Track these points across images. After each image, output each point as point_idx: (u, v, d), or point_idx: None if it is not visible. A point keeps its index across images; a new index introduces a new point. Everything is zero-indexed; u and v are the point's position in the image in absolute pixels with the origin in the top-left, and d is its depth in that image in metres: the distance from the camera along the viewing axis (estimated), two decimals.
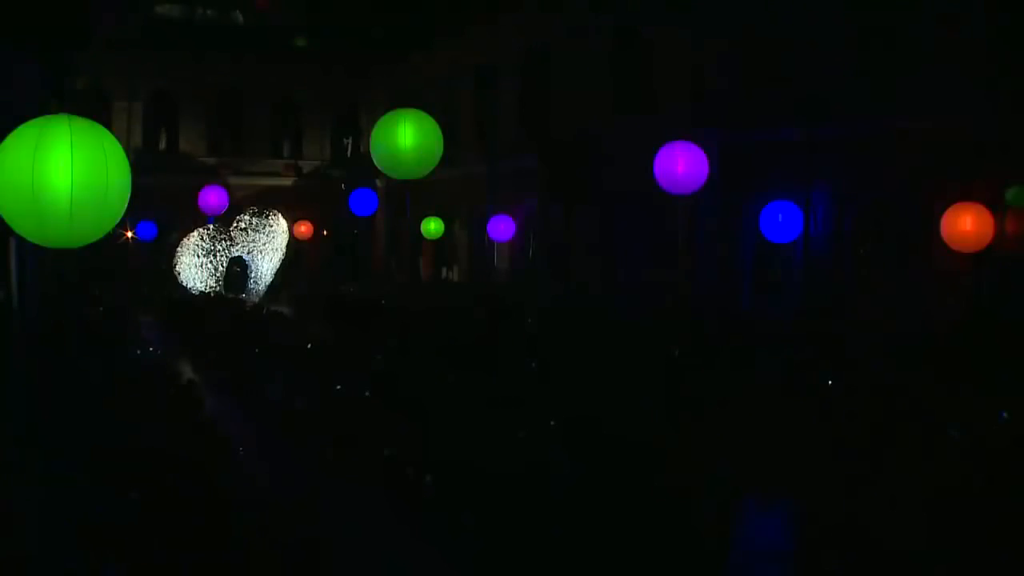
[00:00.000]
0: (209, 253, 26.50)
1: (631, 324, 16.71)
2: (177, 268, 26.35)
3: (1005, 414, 8.81)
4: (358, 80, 33.06)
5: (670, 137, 12.81)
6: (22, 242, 7.07)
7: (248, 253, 27.34)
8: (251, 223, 27.28)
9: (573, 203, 21.72)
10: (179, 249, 26.53)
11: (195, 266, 26.34)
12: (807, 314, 15.89)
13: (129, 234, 27.64)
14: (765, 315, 16.95)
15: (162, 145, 31.37)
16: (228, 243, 26.84)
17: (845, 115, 15.49)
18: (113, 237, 25.46)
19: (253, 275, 27.76)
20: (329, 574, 6.29)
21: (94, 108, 26.73)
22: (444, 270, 29.99)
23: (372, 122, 10.81)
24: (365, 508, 8.22)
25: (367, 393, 10.52)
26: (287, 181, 32.62)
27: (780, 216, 14.05)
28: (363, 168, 29.62)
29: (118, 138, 5.64)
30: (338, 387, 10.87)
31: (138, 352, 13.67)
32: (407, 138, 9.62)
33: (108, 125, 12.41)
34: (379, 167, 10.19)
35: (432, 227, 23.85)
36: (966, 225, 11.89)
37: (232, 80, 31.63)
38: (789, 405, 9.74)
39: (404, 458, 8.15)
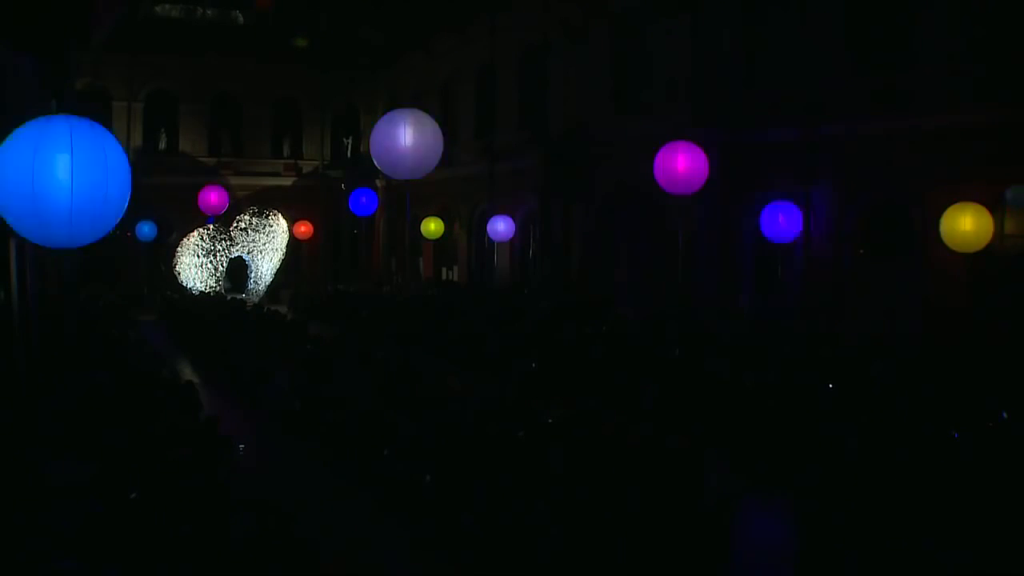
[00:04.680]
0: (209, 253, 26.51)
1: (630, 323, 16.72)
2: (177, 268, 26.36)
3: (1005, 414, 8.80)
4: (358, 80, 33.05)
5: (670, 137, 12.82)
6: (22, 242, 7.07)
7: (248, 253, 27.35)
8: (251, 223, 27.30)
9: (572, 203, 21.72)
10: (179, 249, 26.54)
11: (195, 266, 26.35)
12: (807, 314, 15.88)
13: (129, 233, 27.64)
14: (765, 315, 16.95)
15: (162, 145, 31.36)
16: (228, 243, 26.86)
17: (845, 115, 15.50)
18: (115, 236, 25.47)
19: (253, 275, 27.78)
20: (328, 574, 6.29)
21: (94, 108, 26.71)
22: (444, 270, 30.00)
23: (372, 122, 10.84)
24: (364, 508, 8.23)
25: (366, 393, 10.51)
26: (287, 181, 32.63)
27: (781, 216, 14.06)
28: (363, 168, 29.64)
29: (118, 138, 5.64)
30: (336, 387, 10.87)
31: (138, 352, 13.65)
32: (407, 138, 9.63)
33: (108, 125, 12.41)
34: (379, 167, 10.20)
35: (432, 227, 23.86)
36: (966, 225, 11.89)
37: (232, 80, 31.65)
38: (788, 405, 9.73)
39: (404, 457, 8.15)
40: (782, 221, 14.07)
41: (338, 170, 32.46)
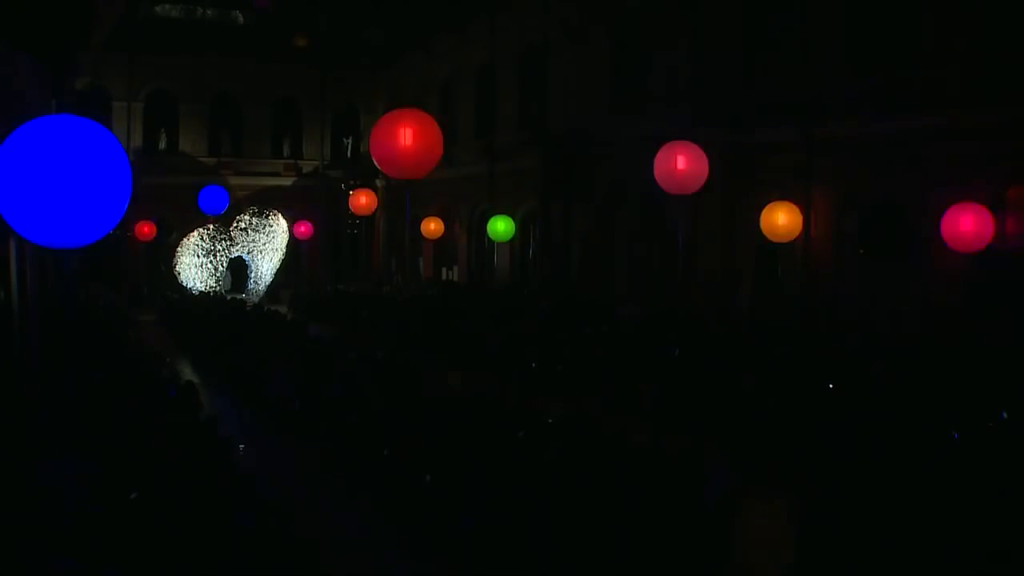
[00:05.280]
0: (209, 253, 26.51)
1: (630, 323, 16.71)
2: (177, 268, 26.35)
3: (1005, 414, 8.80)
4: (358, 80, 33.06)
5: (670, 137, 12.80)
6: (22, 242, 7.07)
7: (248, 253, 27.34)
8: (251, 223, 27.29)
9: (572, 203, 21.72)
10: (179, 249, 26.54)
11: (195, 266, 26.35)
12: (807, 314, 15.88)
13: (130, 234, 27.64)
14: (765, 315, 16.93)
15: (162, 145, 31.35)
16: (228, 243, 26.85)
17: (845, 115, 15.48)
18: (115, 236, 25.49)
19: (253, 275, 27.77)
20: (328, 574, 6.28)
21: (94, 108, 26.70)
22: (444, 270, 30.00)
23: (372, 122, 10.86)
24: (364, 508, 8.23)
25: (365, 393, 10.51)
26: (287, 181, 32.62)
27: (781, 217, 14.05)
28: (363, 168, 29.65)
29: (118, 138, 5.64)
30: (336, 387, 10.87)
31: (138, 352, 13.65)
32: (407, 138, 9.62)
33: (108, 125, 12.41)
34: (379, 167, 10.20)
35: (432, 227, 23.86)
36: (966, 225, 11.87)
37: (232, 80, 31.64)
38: (788, 405, 9.73)
39: (404, 457, 8.14)
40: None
41: (338, 170, 32.46)
